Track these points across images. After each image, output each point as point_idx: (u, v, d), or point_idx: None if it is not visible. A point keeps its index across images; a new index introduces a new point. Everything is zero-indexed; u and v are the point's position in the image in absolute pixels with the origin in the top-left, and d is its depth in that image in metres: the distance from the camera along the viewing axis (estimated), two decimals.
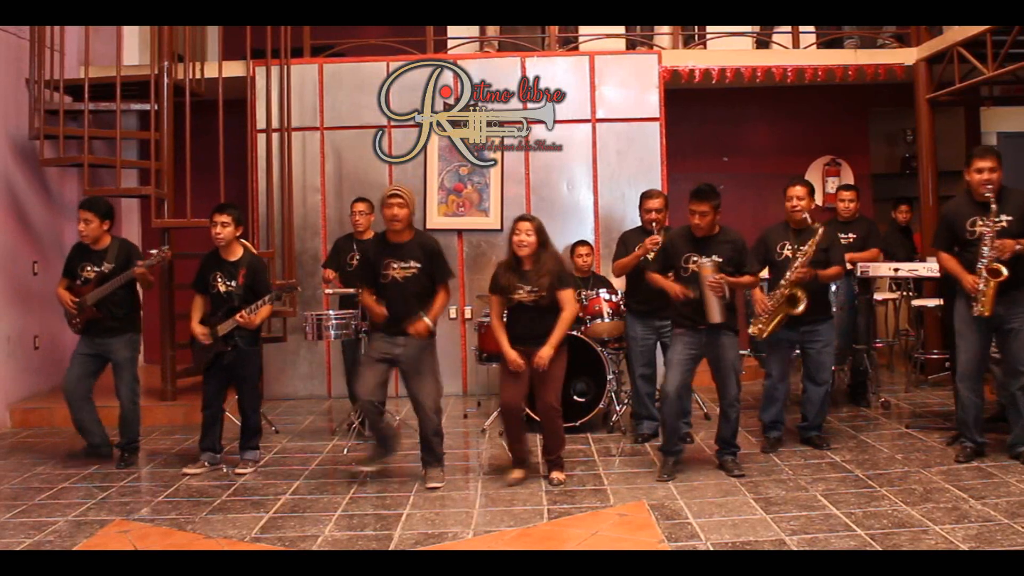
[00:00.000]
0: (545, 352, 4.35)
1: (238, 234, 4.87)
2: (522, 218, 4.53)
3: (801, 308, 4.70)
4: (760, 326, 4.81)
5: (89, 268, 4.96)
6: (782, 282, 4.74)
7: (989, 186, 4.36)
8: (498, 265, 4.60)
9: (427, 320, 4.39)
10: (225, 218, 4.79)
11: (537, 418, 4.55)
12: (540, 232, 4.45)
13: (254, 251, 5.27)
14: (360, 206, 5.84)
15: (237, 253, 4.87)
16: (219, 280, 4.81)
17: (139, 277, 4.90)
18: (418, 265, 4.42)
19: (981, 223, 4.41)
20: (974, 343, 4.54)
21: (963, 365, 4.59)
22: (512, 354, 4.39)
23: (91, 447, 5.09)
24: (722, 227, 4.55)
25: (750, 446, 5.08)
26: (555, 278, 4.42)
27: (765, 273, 4.98)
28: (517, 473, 4.55)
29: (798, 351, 5.05)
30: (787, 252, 4.84)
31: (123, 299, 4.98)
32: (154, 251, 5.16)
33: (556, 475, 4.51)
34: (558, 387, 4.48)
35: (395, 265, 4.42)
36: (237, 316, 4.70)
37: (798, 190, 4.84)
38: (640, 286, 5.09)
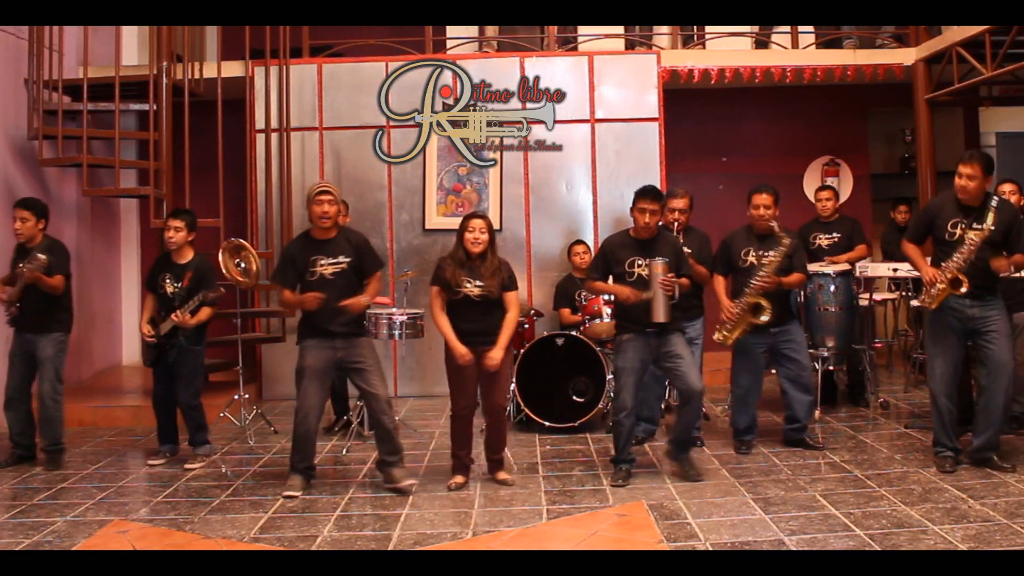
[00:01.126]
0: (496, 354, 4.36)
1: (190, 239, 5.02)
2: (475, 215, 4.52)
3: (765, 318, 4.70)
4: (725, 332, 4.81)
5: (20, 265, 4.93)
6: (747, 290, 4.73)
7: (965, 193, 4.32)
8: (442, 259, 4.54)
9: (363, 298, 4.37)
10: (179, 223, 4.97)
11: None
12: (491, 231, 4.49)
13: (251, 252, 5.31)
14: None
15: (187, 256, 5.02)
16: (167, 281, 4.95)
17: (26, 279, 4.82)
18: (348, 260, 4.40)
19: (962, 227, 4.35)
20: (950, 348, 4.46)
21: (938, 370, 4.48)
22: (460, 348, 4.35)
23: (19, 452, 5.07)
24: (660, 230, 4.58)
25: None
26: (506, 278, 4.46)
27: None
28: (460, 478, 4.49)
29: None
30: (751, 259, 4.83)
31: (44, 297, 4.91)
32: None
33: (502, 475, 4.51)
34: (506, 387, 4.53)
35: (323, 262, 4.38)
36: (172, 316, 4.84)
37: (764, 198, 4.82)
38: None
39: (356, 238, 4.52)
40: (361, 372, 4.44)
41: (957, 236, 4.34)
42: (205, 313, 4.92)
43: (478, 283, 4.39)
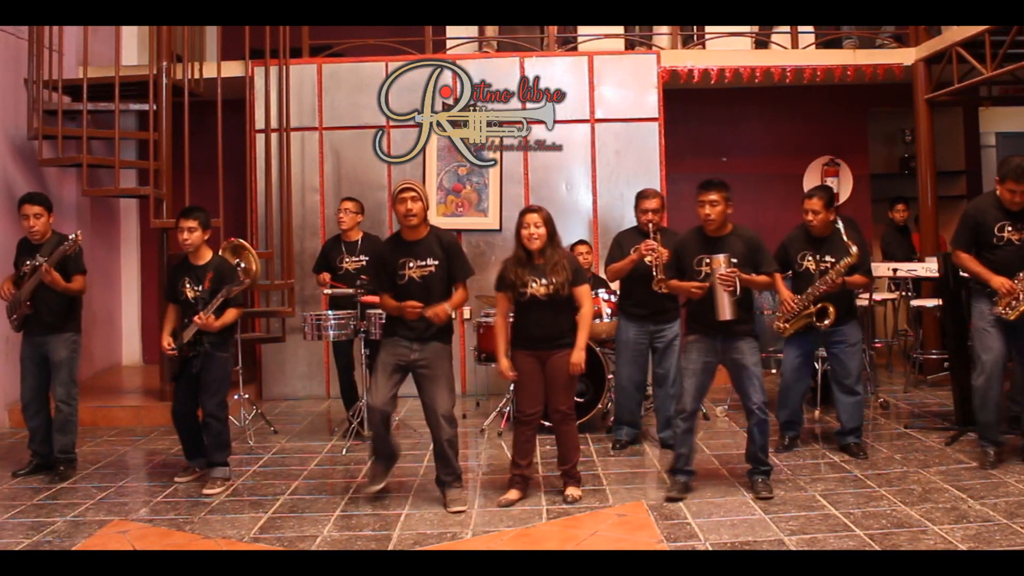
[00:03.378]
0: (578, 357, 4.15)
1: (206, 238, 4.68)
2: (529, 209, 4.25)
3: (828, 321, 4.66)
4: (786, 324, 4.77)
5: (28, 263, 4.76)
6: (813, 293, 4.67)
7: (1014, 208, 4.41)
8: (505, 261, 4.32)
9: (446, 306, 4.11)
10: (192, 223, 4.58)
11: (542, 421, 4.51)
12: (549, 223, 4.20)
13: (257, 252, 5.16)
14: (347, 204, 5.82)
15: (205, 257, 4.68)
16: (187, 286, 4.61)
17: (43, 274, 4.63)
18: (436, 263, 4.17)
19: (1010, 229, 4.42)
20: (998, 341, 4.48)
21: (989, 365, 4.48)
22: (505, 363, 4.19)
23: (36, 460, 4.93)
24: (735, 225, 4.34)
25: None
26: (572, 272, 4.20)
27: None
28: (514, 494, 4.23)
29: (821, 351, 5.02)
30: (807, 263, 4.79)
31: (57, 296, 4.76)
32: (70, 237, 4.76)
33: (572, 491, 4.22)
34: (573, 392, 4.32)
35: (412, 264, 4.17)
36: (195, 318, 4.49)
37: (812, 203, 4.77)
38: (635, 289, 5.03)
39: (447, 240, 4.26)
40: (426, 379, 4.19)
41: (1006, 239, 4.43)
42: (232, 315, 4.59)
43: (545, 281, 4.14)
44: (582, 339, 4.19)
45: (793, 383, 4.95)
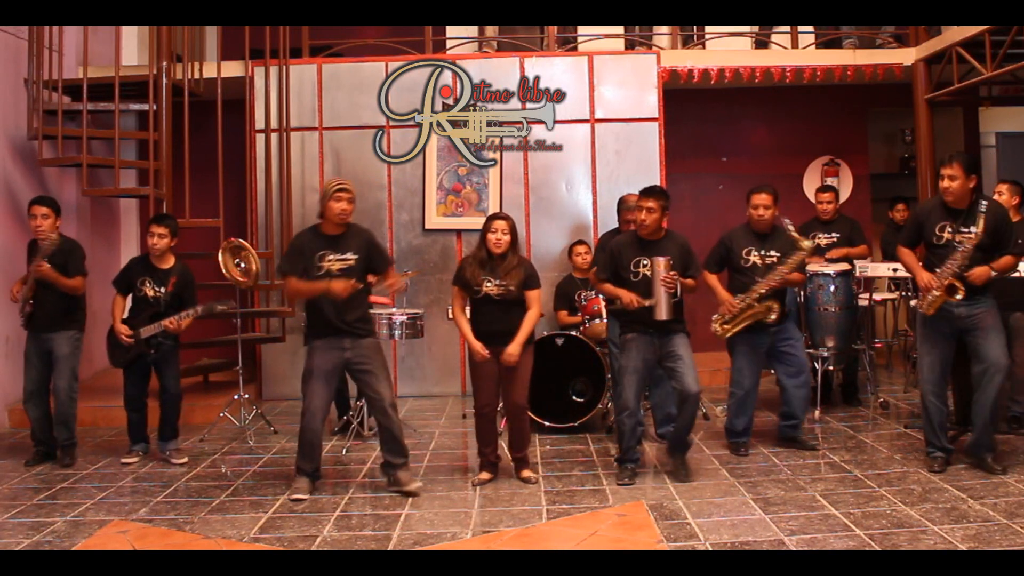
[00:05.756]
0: (513, 349, 4.40)
1: (172, 244, 5.07)
2: (497, 216, 4.60)
3: (774, 317, 4.73)
4: (726, 326, 4.80)
5: (35, 262, 4.98)
6: (760, 290, 4.71)
7: (949, 195, 4.32)
8: (465, 258, 4.65)
9: (390, 279, 4.44)
10: (163, 230, 5.02)
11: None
12: (514, 231, 4.54)
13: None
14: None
15: (169, 262, 5.08)
16: (148, 285, 5.00)
17: (39, 274, 4.92)
18: (356, 256, 4.36)
19: (950, 231, 4.34)
20: (937, 348, 4.45)
21: (927, 370, 4.48)
22: (477, 344, 4.43)
23: (42, 448, 5.15)
24: (668, 230, 4.59)
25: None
26: (527, 276, 4.50)
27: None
28: (485, 475, 4.55)
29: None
30: (754, 258, 4.83)
31: (59, 295, 5.00)
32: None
33: (528, 473, 4.55)
34: (526, 385, 4.55)
35: (331, 257, 4.33)
36: (166, 322, 4.90)
37: (763, 197, 4.83)
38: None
39: (365, 235, 4.48)
40: (367, 374, 4.41)
41: (945, 240, 4.35)
42: (188, 322, 4.99)
43: (498, 282, 4.44)
44: (522, 334, 4.45)
45: (751, 388, 4.96)
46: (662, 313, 4.37)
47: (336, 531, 3.86)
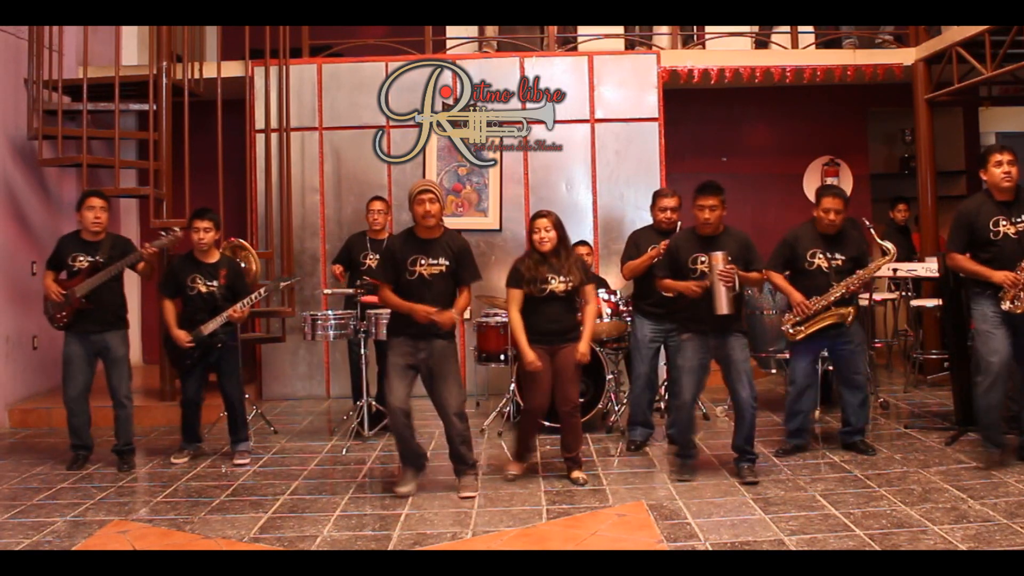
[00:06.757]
0: (585, 347, 4.42)
1: (217, 238, 5.02)
2: (541, 215, 4.53)
3: (850, 320, 4.68)
4: (799, 327, 4.71)
5: (82, 258, 4.93)
6: (836, 292, 4.65)
7: (1007, 183, 4.32)
8: (519, 260, 4.58)
9: (453, 313, 4.29)
10: (207, 224, 4.94)
11: (542, 421, 4.58)
12: (559, 227, 4.50)
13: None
14: (377, 204, 5.87)
15: (215, 256, 5.04)
16: (199, 282, 4.92)
17: (147, 259, 4.98)
18: (446, 263, 4.31)
19: (1004, 222, 4.34)
20: (1003, 343, 4.40)
21: (996, 368, 4.40)
22: (531, 355, 4.38)
23: (86, 452, 5.06)
24: (727, 226, 4.55)
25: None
26: (584, 271, 4.52)
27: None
28: (516, 468, 4.59)
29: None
30: (819, 261, 4.74)
31: (118, 292, 5.02)
32: (163, 233, 5.28)
33: (578, 474, 4.49)
34: (578, 384, 4.56)
35: (423, 262, 4.30)
36: (230, 311, 4.86)
37: (836, 202, 4.70)
38: (652, 287, 5.01)
39: (458, 243, 4.40)
40: (436, 379, 4.33)
41: (1001, 234, 4.34)
42: (255, 303, 4.99)
43: (562, 278, 4.43)
44: (588, 333, 4.47)
45: (806, 388, 4.90)
46: (723, 307, 4.28)
47: (336, 531, 3.86)
